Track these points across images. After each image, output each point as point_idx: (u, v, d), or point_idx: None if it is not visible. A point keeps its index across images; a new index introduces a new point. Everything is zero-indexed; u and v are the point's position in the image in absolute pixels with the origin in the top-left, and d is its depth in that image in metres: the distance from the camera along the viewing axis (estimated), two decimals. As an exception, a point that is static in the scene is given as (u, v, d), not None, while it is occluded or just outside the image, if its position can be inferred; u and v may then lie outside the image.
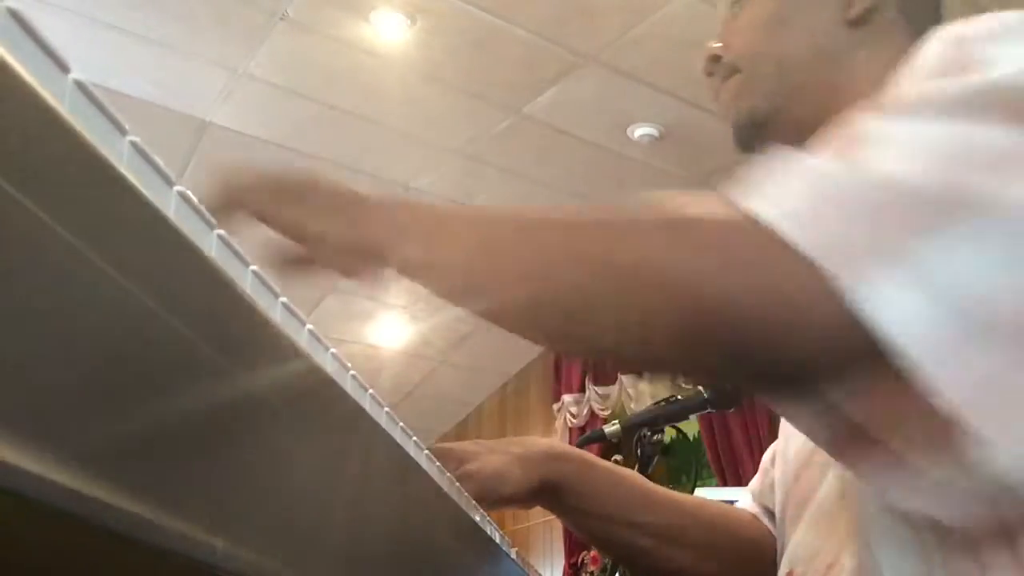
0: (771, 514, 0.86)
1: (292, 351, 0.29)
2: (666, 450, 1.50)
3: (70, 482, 0.17)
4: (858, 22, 0.70)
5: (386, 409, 0.41)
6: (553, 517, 0.88)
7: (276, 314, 0.29)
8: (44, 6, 3.04)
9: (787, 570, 0.74)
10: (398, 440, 0.42)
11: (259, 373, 0.26)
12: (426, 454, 0.49)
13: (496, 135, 3.92)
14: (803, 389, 0.49)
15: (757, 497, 0.91)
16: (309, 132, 3.83)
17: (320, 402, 0.32)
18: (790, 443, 0.80)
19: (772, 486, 0.85)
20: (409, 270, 0.52)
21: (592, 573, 4.30)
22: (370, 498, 0.37)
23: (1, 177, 0.16)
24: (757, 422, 4.03)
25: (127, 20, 3.23)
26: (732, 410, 1.51)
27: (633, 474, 0.91)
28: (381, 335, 5.37)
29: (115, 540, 0.18)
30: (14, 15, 0.19)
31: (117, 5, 3.16)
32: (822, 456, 0.70)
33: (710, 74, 0.77)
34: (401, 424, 0.44)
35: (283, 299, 0.30)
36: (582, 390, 5.11)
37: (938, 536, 0.53)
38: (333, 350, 0.35)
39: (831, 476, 0.69)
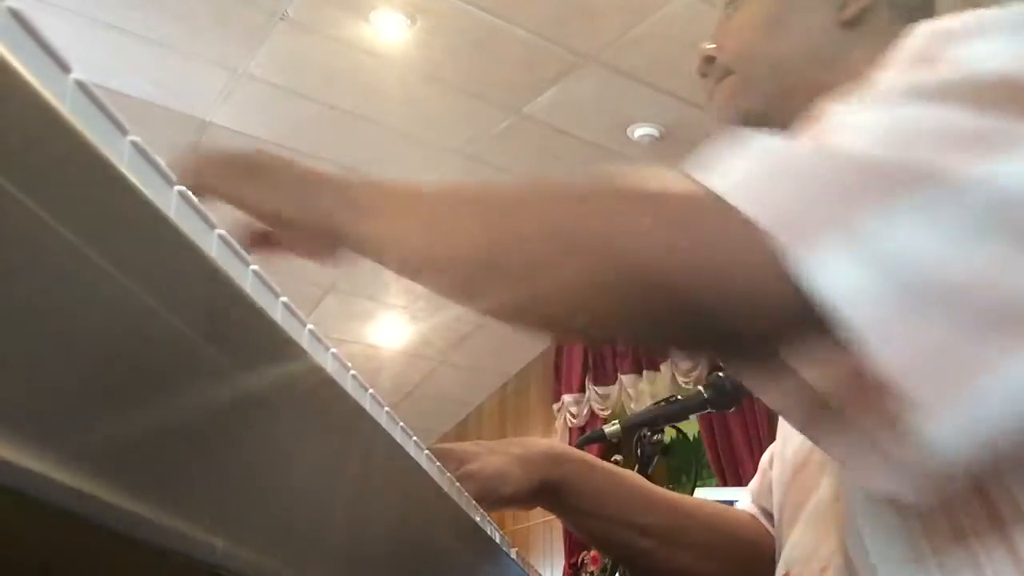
0: (770, 515, 0.86)
1: (293, 351, 0.29)
2: (666, 450, 1.50)
3: (71, 481, 0.17)
4: (852, 23, 0.71)
5: (386, 409, 0.41)
6: (553, 517, 0.88)
7: (277, 314, 0.29)
8: (45, 6, 3.04)
9: (784, 571, 0.74)
10: (398, 440, 0.42)
11: (260, 373, 0.26)
12: (426, 454, 0.49)
13: (496, 135, 3.92)
14: (761, 358, 0.50)
15: (756, 498, 0.91)
16: (309, 132, 3.83)
17: (320, 402, 0.32)
18: (787, 445, 0.81)
19: (770, 487, 0.85)
20: (366, 247, 0.52)
21: (592, 573, 4.30)
22: (370, 498, 0.37)
23: (2, 177, 0.16)
24: (757, 422, 4.03)
25: (127, 20, 3.23)
26: (732, 410, 1.51)
27: (633, 475, 0.91)
28: (381, 335, 5.37)
29: (115, 539, 0.18)
30: (15, 15, 0.19)
31: (117, 5, 3.16)
32: (819, 458, 0.70)
33: (704, 75, 0.77)
34: (401, 424, 0.44)
35: (284, 299, 0.30)
36: (582, 390, 5.11)
37: (924, 523, 0.53)
38: (333, 350, 0.35)
39: (827, 478, 0.69)
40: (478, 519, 0.63)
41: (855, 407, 0.47)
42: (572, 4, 3.20)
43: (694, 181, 0.47)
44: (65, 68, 0.20)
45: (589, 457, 0.88)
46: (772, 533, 0.85)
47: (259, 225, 0.56)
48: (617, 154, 3.97)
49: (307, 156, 3.89)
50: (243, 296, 0.26)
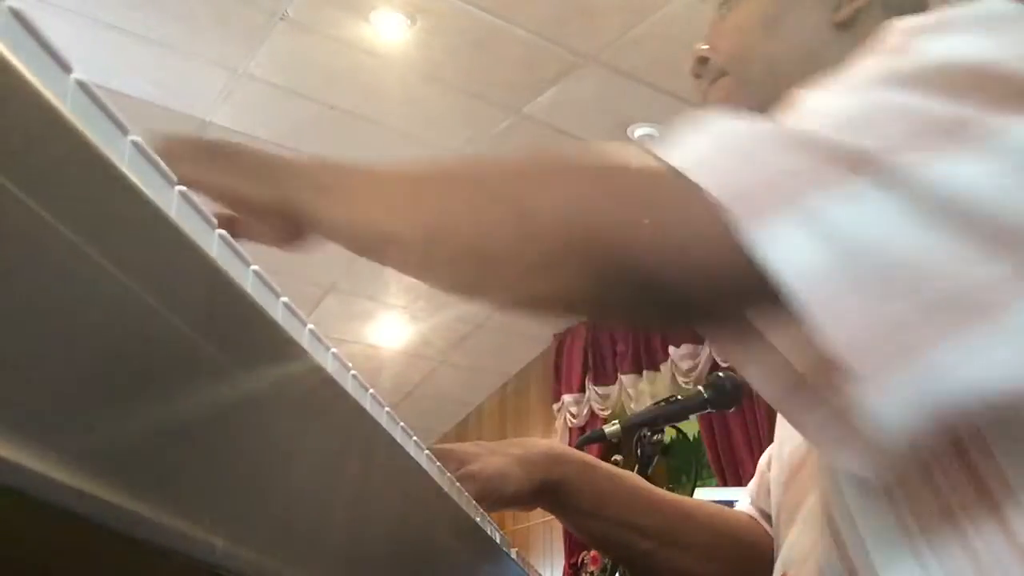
0: (768, 516, 0.86)
1: (293, 351, 0.29)
2: (666, 450, 1.50)
3: (71, 480, 0.17)
4: (846, 24, 0.71)
5: (386, 409, 0.41)
6: (553, 517, 0.89)
7: (277, 314, 0.29)
8: (45, 6, 3.04)
9: (781, 572, 0.74)
10: (398, 440, 0.42)
11: (260, 373, 0.26)
12: (426, 454, 0.49)
13: (496, 135, 3.92)
14: (735, 332, 0.51)
15: (754, 500, 0.91)
16: (309, 132, 3.83)
17: (321, 402, 0.32)
18: (785, 446, 0.81)
19: (768, 489, 0.85)
20: (327, 227, 0.52)
21: (592, 573, 4.30)
22: (370, 498, 0.37)
23: (3, 177, 0.16)
24: (757, 422, 4.03)
25: (127, 20, 3.23)
26: (732, 410, 1.51)
27: (633, 476, 0.91)
28: (381, 335, 5.37)
29: (115, 538, 0.18)
30: (16, 15, 0.19)
31: (118, 5, 3.16)
32: (816, 458, 0.71)
33: (698, 76, 0.77)
34: (401, 424, 0.44)
35: (284, 299, 0.30)
36: (582, 390, 5.11)
37: (911, 500, 0.54)
38: (334, 350, 0.35)
39: (824, 478, 0.69)
40: (478, 519, 0.63)
41: (819, 381, 0.48)
42: (572, 4, 3.20)
43: (654, 156, 0.48)
44: (66, 68, 0.20)
45: (589, 458, 0.88)
46: (771, 534, 0.85)
47: (225, 211, 0.56)
48: (617, 154, 3.96)
49: (307, 156, 3.89)
50: (244, 296, 0.26)
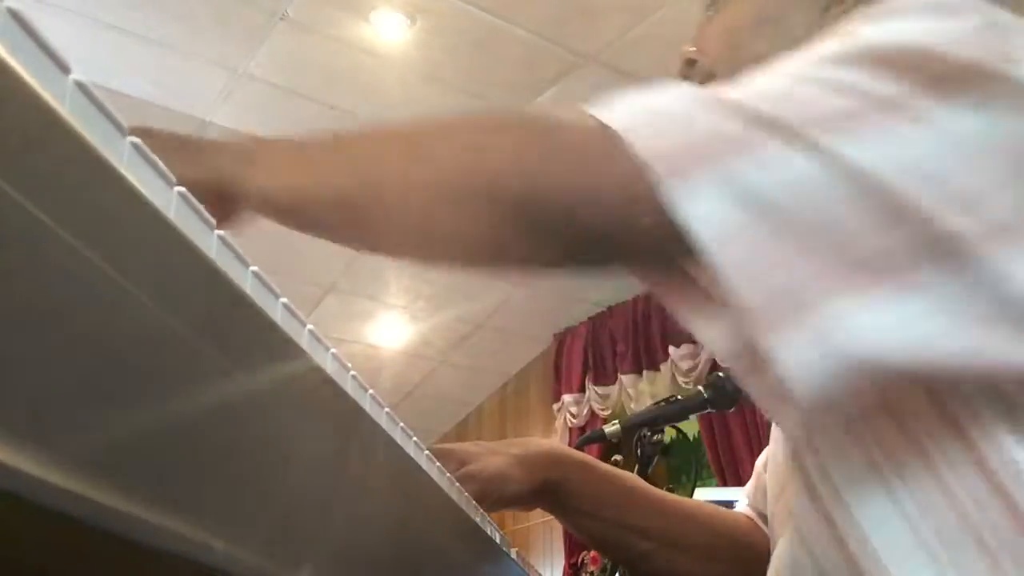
0: (765, 517, 0.86)
1: (293, 351, 0.29)
2: (666, 450, 1.50)
3: (69, 483, 0.17)
4: None
5: (386, 410, 0.41)
6: (553, 517, 0.89)
7: (276, 314, 0.29)
8: (45, 6, 3.04)
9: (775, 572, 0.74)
10: (398, 441, 0.42)
11: (259, 374, 0.26)
12: (426, 454, 0.49)
13: (496, 135, 3.91)
14: (655, 278, 0.54)
15: (752, 501, 0.91)
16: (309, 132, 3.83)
17: (320, 403, 0.32)
18: (780, 447, 0.81)
19: (765, 490, 0.85)
20: (257, 199, 0.52)
21: (592, 573, 4.30)
22: (370, 498, 0.37)
23: (2, 178, 0.16)
24: (757, 422, 4.03)
25: (127, 20, 3.23)
26: (732, 410, 1.51)
27: (633, 477, 0.91)
28: (381, 335, 5.37)
29: (113, 541, 0.18)
30: (15, 16, 0.19)
31: (117, 5, 3.16)
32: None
33: (685, 78, 0.77)
34: (401, 424, 0.44)
35: (283, 300, 0.30)
36: (582, 390, 5.11)
37: (881, 441, 0.55)
38: (333, 350, 0.35)
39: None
40: (478, 519, 0.63)
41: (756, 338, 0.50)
42: (572, 4, 3.20)
43: (586, 113, 0.50)
44: (65, 69, 0.20)
45: (589, 459, 0.88)
46: (768, 535, 0.85)
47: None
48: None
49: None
50: (243, 297, 0.26)
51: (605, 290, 4.93)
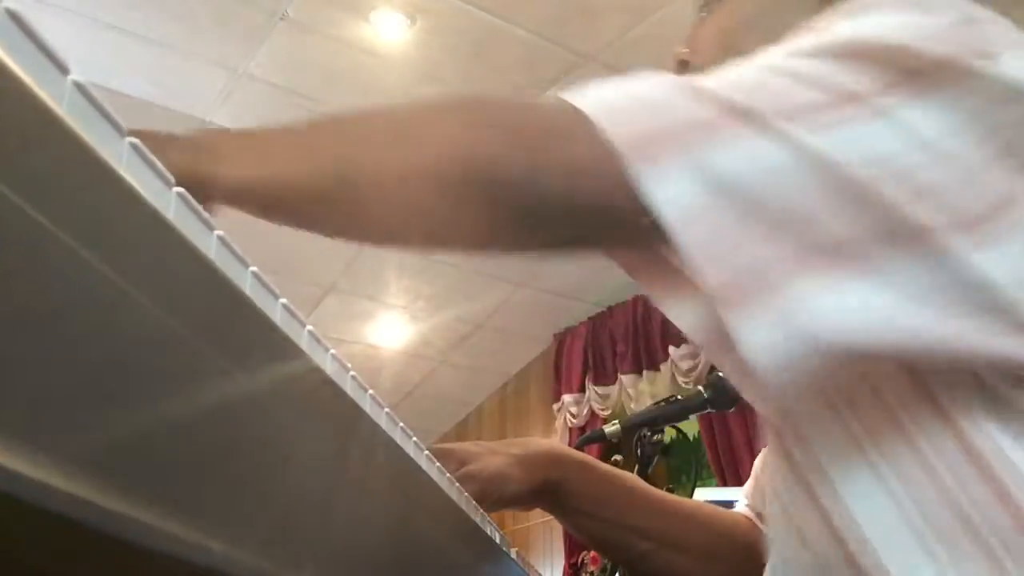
0: (764, 517, 0.86)
1: (292, 352, 0.29)
2: (666, 450, 1.50)
3: (67, 485, 0.17)
4: None
5: (386, 410, 0.41)
6: (553, 517, 0.89)
7: (276, 315, 0.29)
8: (44, 6, 3.04)
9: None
10: (398, 441, 0.42)
11: (259, 375, 0.26)
12: (426, 455, 0.49)
13: (496, 135, 3.91)
14: (656, 272, 0.55)
15: (750, 501, 0.91)
16: (309, 132, 3.82)
17: (320, 403, 0.32)
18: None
19: (763, 490, 0.85)
20: (232, 193, 0.51)
21: (592, 573, 4.30)
22: (370, 499, 0.37)
23: (0, 179, 0.16)
24: (757, 422, 4.02)
25: (127, 20, 3.23)
26: (732, 410, 1.51)
27: (633, 477, 0.91)
28: (381, 335, 5.37)
29: (112, 543, 0.18)
30: (13, 16, 0.19)
31: (117, 5, 3.16)
32: None
33: None
34: (401, 425, 0.44)
35: (283, 300, 0.30)
36: (582, 390, 5.11)
37: (860, 417, 0.56)
38: (333, 351, 0.35)
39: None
40: (478, 519, 0.63)
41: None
42: (572, 4, 3.20)
43: (560, 99, 0.50)
44: (63, 69, 0.20)
45: (589, 459, 0.88)
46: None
47: None
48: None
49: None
50: (242, 298, 0.26)
51: (605, 290, 4.93)
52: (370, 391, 0.39)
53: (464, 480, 0.70)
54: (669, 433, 1.52)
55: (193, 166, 0.51)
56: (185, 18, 3.23)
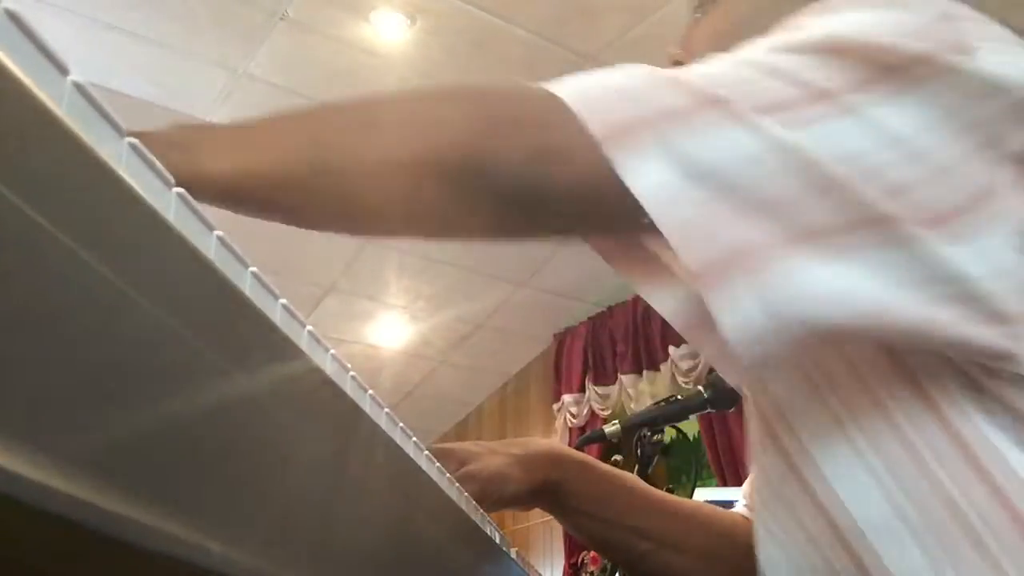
0: None
1: (292, 352, 0.29)
2: (666, 450, 1.50)
3: (66, 486, 0.17)
4: None
5: (386, 410, 0.41)
6: (553, 517, 0.89)
7: (276, 315, 0.29)
8: (44, 6, 3.04)
9: None
10: (398, 441, 0.42)
11: (259, 375, 0.26)
12: (426, 455, 0.49)
13: (496, 135, 3.91)
14: (607, 245, 0.56)
15: (750, 502, 0.91)
16: (309, 132, 3.82)
17: (320, 404, 0.32)
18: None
19: None
20: (201, 188, 0.51)
21: (592, 573, 4.30)
22: (370, 499, 0.37)
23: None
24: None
25: (127, 20, 3.23)
26: (732, 410, 1.51)
27: (633, 478, 0.91)
28: (381, 335, 5.37)
29: (111, 544, 0.18)
30: (12, 17, 0.19)
31: (117, 5, 3.16)
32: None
33: None
34: (401, 425, 0.44)
35: (283, 301, 0.30)
36: (582, 390, 5.11)
37: (841, 397, 0.57)
38: (332, 351, 0.35)
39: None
40: (478, 519, 0.63)
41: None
42: (572, 4, 3.20)
43: (539, 87, 0.52)
44: (63, 70, 0.20)
45: (589, 459, 0.88)
46: None
47: None
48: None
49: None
50: (242, 298, 0.26)
51: (605, 290, 4.93)
52: (370, 391, 0.39)
53: (464, 480, 0.70)
54: (669, 433, 1.52)
55: (165, 162, 0.51)
56: (185, 18, 3.23)
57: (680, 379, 4.48)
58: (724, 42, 0.73)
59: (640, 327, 4.86)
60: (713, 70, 0.52)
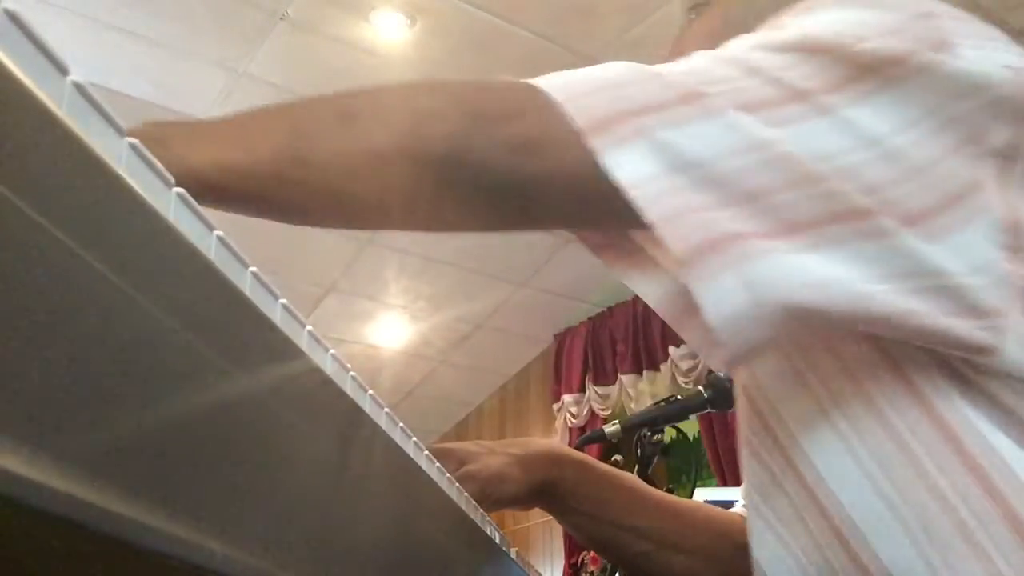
0: None
1: (292, 352, 0.29)
2: (666, 450, 1.51)
3: (67, 486, 0.17)
4: None
5: (386, 410, 0.41)
6: (553, 517, 0.89)
7: (276, 315, 0.29)
8: (44, 6, 3.04)
9: None
10: (398, 441, 0.42)
11: (259, 375, 0.26)
12: (426, 455, 0.49)
13: (496, 135, 3.91)
14: (595, 238, 0.56)
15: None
16: (309, 132, 3.82)
17: (320, 404, 0.32)
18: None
19: None
20: (183, 182, 0.51)
21: (592, 573, 4.30)
22: (370, 499, 0.37)
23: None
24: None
25: (127, 20, 3.23)
26: (732, 410, 1.51)
27: (632, 478, 0.91)
28: (381, 335, 5.37)
29: (112, 545, 0.18)
30: (12, 17, 0.19)
31: (117, 5, 3.16)
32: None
33: None
34: (401, 425, 0.44)
35: (282, 301, 0.30)
36: (582, 390, 5.11)
37: (827, 387, 0.57)
38: (333, 351, 0.35)
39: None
40: (478, 519, 0.63)
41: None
42: (572, 4, 3.20)
43: (522, 81, 0.52)
44: (63, 70, 0.20)
45: (588, 459, 0.88)
46: None
47: None
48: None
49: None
50: (242, 298, 0.26)
51: (605, 290, 4.93)
52: (370, 391, 0.39)
53: (464, 480, 0.70)
54: (669, 433, 1.52)
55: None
56: (185, 18, 3.23)
57: (680, 379, 4.48)
58: (717, 42, 0.73)
59: (640, 327, 4.86)
60: (696, 66, 0.53)
